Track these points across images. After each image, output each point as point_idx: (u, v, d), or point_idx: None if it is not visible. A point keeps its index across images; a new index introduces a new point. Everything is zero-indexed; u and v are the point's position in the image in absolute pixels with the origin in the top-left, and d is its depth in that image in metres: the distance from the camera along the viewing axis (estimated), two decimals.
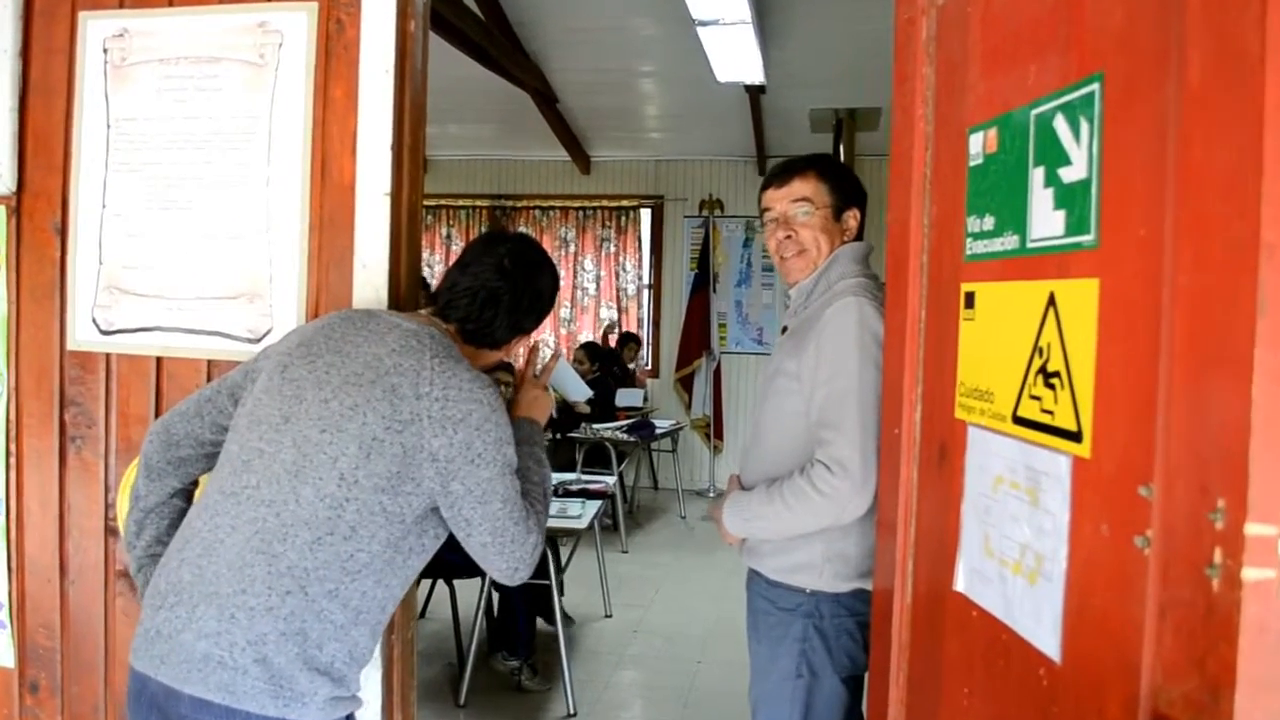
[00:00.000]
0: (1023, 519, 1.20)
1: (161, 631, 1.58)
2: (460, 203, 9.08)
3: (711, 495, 8.53)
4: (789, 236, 2.10)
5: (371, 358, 1.68)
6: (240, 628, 1.53)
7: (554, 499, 4.17)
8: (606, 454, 6.58)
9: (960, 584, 1.36)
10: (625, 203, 8.81)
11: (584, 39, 6.73)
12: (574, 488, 4.32)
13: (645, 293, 8.92)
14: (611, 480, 4.68)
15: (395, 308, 2.04)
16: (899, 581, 1.60)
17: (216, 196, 2.14)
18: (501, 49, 6.46)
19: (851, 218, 2.15)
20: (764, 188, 2.17)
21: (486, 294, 1.81)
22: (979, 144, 1.39)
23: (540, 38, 6.75)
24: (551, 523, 3.81)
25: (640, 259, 8.83)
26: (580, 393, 7.31)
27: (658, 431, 7.02)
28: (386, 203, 2.04)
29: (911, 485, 1.64)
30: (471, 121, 8.40)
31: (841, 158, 7.78)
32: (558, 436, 7.58)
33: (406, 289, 2.09)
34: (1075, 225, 1.12)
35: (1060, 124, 1.17)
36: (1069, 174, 1.14)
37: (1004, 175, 1.31)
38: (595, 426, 6.69)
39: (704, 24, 5.36)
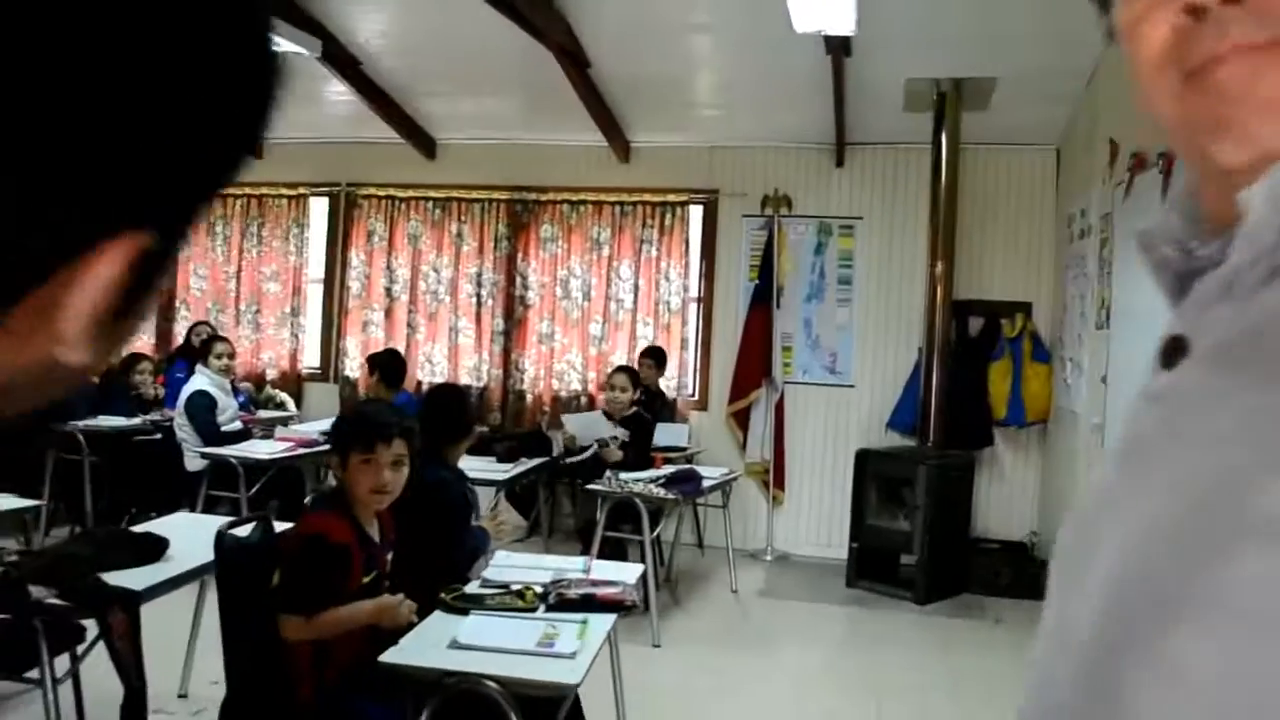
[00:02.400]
0: None
1: None
2: (473, 194, 7.60)
3: (768, 559, 6.93)
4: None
5: None
6: None
7: (539, 615, 2.64)
8: (638, 511, 5.02)
9: None
10: (671, 197, 7.28)
11: None
12: (574, 592, 2.75)
13: (692, 307, 7.36)
14: (635, 575, 3.10)
15: None
16: None
17: None
18: None
19: None
20: None
21: None
22: None
23: None
24: (521, 668, 2.26)
25: (687, 266, 7.28)
26: (600, 429, 5.77)
27: (705, 484, 5.43)
28: None
29: None
30: (488, 94, 6.94)
31: (942, 147, 6.21)
32: (578, 481, 6.06)
33: None
34: None
35: None
36: None
37: None
38: (624, 477, 5.13)
39: None
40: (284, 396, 7.65)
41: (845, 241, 7.06)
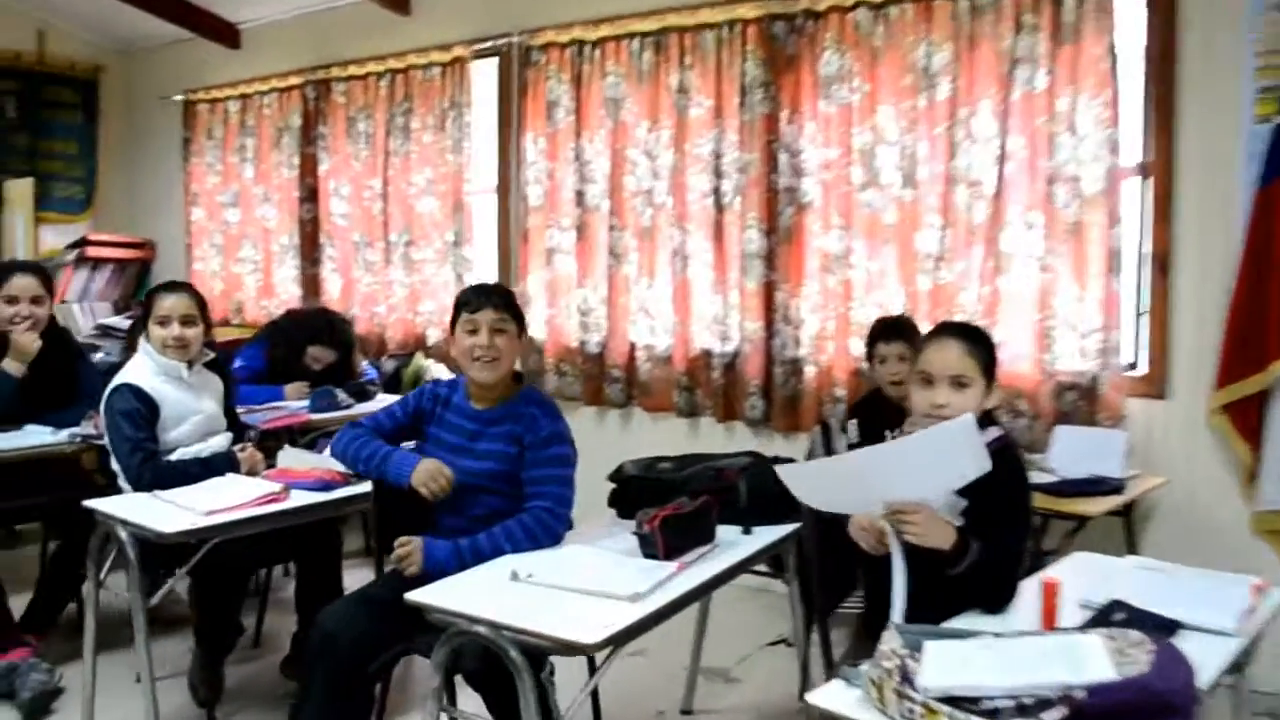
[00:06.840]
0: None
1: None
2: (701, 16, 4.37)
3: None
4: None
5: None
6: None
7: None
8: None
9: None
10: None
11: None
12: None
13: (1128, 190, 3.68)
14: None
15: None
16: None
17: None
18: None
19: None
20: None
21: None
22: None
23: None
24: None
25: (1114, 107, 3.57)
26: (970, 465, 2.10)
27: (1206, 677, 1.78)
28: None
29: None
30: None
31: None
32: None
33: None
34: None
35: None
36: None
37: None
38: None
39: None
40: (438, 370, 5.00)
41: None
